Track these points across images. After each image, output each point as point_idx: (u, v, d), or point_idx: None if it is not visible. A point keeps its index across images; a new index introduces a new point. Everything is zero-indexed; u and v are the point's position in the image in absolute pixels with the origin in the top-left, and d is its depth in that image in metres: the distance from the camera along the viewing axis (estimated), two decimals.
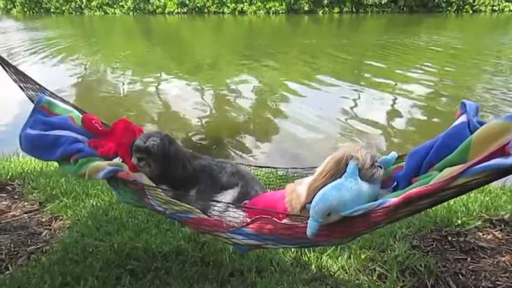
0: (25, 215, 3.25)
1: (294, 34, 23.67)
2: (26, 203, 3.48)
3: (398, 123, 7.08)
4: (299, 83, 10.08)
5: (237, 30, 27.32)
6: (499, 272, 2.31)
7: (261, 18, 34.20)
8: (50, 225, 3.06)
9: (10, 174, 4.05)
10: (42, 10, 49.41)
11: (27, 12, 49.28)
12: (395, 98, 8.79)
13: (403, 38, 18.25)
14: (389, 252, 2.50)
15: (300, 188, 1.86)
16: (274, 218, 1.82)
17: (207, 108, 8.30)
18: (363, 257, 2.45)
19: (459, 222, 2.92)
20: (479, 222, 2.91)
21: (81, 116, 2.51)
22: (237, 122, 7.38)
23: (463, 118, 1.71)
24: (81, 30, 27.87)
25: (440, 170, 1.63)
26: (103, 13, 45.58)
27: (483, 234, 2.83)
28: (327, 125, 7.01)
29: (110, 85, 10.63)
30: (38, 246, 2.75)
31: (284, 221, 1.81)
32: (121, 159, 2.37)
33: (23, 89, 2.62)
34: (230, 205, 2.00)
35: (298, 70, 11.76)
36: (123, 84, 10.72)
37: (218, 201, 2.04)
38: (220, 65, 13.31)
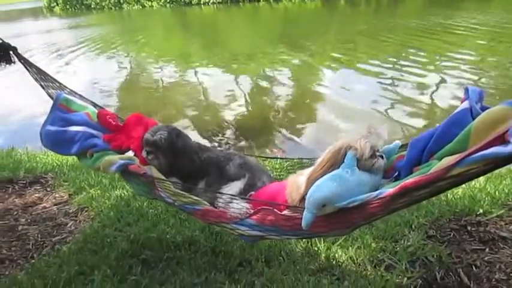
0: (54, 206, 3.38)
1: (330, 19, 23.11)
2: (56, 195, 3.62)
3: (443, 113, 6.69)
4: (336, 70, 9.82)
5: (272, 18, 27.02)
6: None
7: (296, 5, 33.62)
8: (76, 217, 3.18)
9: (45, 167, 4.20)
10: (83, 7, 50.61)
11: (69, 9, 50.62)
12: (438, 84, 8.20)
13: (445, 18, 17.21)
14: (402, 242, 2.42)
15: (300, 179, 1.83)
16: (275, 210, 1.81)
17: (244, 97, 8.28)
18: (373, 247, 2.39)
19: (481, 211, 2.78)
20: (503, 211, 2.77)
21: (96, 111, 2.57)
22: (275, 111, 7.31)
23: (465, 104, 1.62)
24: (121, 25, 28.42)
25: (440, 159, 1.56)
26: (141, 7, 46.15)
27: (506, 224, 2.70)
28: (365, 114, 6.72)
29: (149, 77, 10.84)
30: (63, 236, 2.86)
31: (284, 212, 1.80)
32: (133, 153, 2.41)
33: (43, 88, 2.70)
34: (234, 197, 1.99)
35: (335, 57, 11.44)
36: (162, 76, 10.89)
37: (222, 193, 2.04)
38: (256, 54, 13.21)
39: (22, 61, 2.70)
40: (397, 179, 1.74)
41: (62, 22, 32.55)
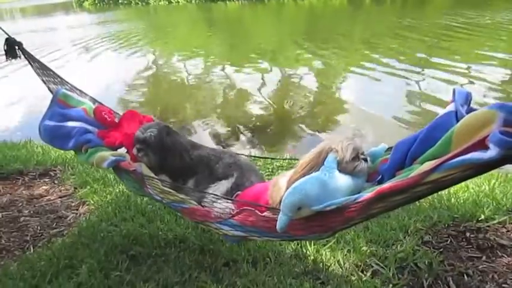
0: (59, 199, 3.41)
1: (355, 16, 22.68)
2: (62, 188, 3.66)
3: None
4: (362, 67, 9.56)
5: (297, 15, 26.72)
6: (511, 273, 2.09)
7: (321, 2, 33.19)
8: (77, 210, 3.20)
9: (55, 160, 4.25)
10: (111, 1, 51.14)
11: (98, 4, 51.29)
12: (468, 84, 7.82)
13: (474, 15, 16.62)
14: (394, 247, 2.34)
15: (281, 181, 1.79)
16: (256, 211, 1.77)
17: (265, 95, 8.20)
18: (364, 251, 2.32)
19: (482, 217, 2.67)
20: (505, 218, 2.65)
21: (93, 107, 2.57)
22: (300, 108, 7.22)
23: (450, 107, 1.54)
24: (147, 21, 28.62)
25: (422, 164, 1.49)
26: (167, 2, 46.27)
27: (507, 231, 2.59)
28: (392, 111, 6.57)
29: (173, 73, 10.87)
30: (61, 229, 2.88)
31: (265, 213, 1.75)
32: (126, 150, 2.40)
33: (44, 82, 2.72)
34: (218, 196, 1.96)
35: (361, 54, 11.18)
36: (186, 72, 10.91)
37: (207, 193, 2.01)
38: (281, 51, 13.09)
39: (26, 56, 2.74)
40: (380, 182, 1.67)
41: (91, 17, 33.02)
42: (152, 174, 2.15)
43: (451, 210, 2.77)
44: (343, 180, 1.59)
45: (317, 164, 1.63)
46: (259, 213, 1.75)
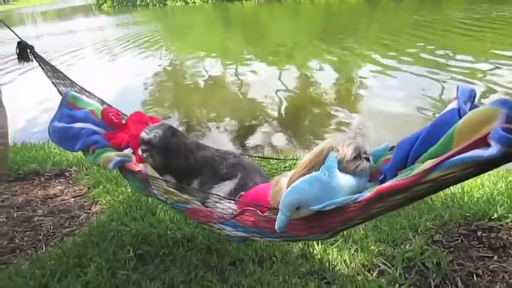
0: (72, 199, 3.46)
1: (373, 13, 22.35)
2: (76, 188, 3.70)
3: None
4: (381, 65, 9.40)
5: (314, 13, 26.49)
6: None
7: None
8: (89, 210, 3.23)
9: (70, 161, 4.31)
10: (129, 4, 51.45)
11: (116, 7, 51.74)
12: (485, 87, 7.42)
13: (496, 10, 16.13)
14: (402, 247, 2.29)
15: (283, 180, 1.77)
16: (257, 211, 1.75)
17: (286, 93, 8.16)
18: (372, 250, 2.27)
19: (495, 215, 2.59)
20: None
21: (101, 108, 2.58)
22: (318, 106, 7.16)
23: (453, 105, 1.49)
24: (165, 22, 28.70)
25: (424, 162, 1.44)
26: (184, 3, 46.34)
27: None
28: (411, 111, 6.43)
29: (192, 73, 10.90)
30: (73, 228, 2.91)
31: (266, 214, 1.73)
32: (132, 151, 2.41)
33: (55, 85, 2.75)
34: (221, 196, 1.95)
35: (379, 52, 11.00)
36: (204, 71, 10.94)
37: (209, 193, 2.00)
38: (298, 50, 12.99)
39: (37, 59, 2.77)
40: (382, 182, 1.62)
41: (109, 20, 33.36)
42: (157, 175, 2.15)
43: (463, 209, 2.69)
44: (344, 180, 1.55)
45: (318, 163, 1.60)
46: (260, 214, 1.72)
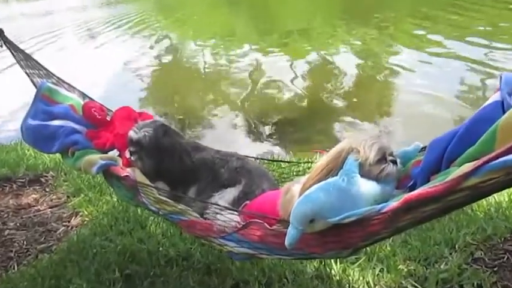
0: (49, 209, 3.50)
1: None
2: (53, 197, 3.75)
3: None
4: (409, 51, 9.33)
5: None
6: None
7: None
8: (68, 222, 3.27)
9: (47, 164, 4.34)
10: None
11: None
12: None
13: None
14: (437, 266, 2.28)
15: (295, 188, 1.77)
16: (264, 223, 1.77)
17: (301, 84, 8.14)
18: (400, 270, 2.27)
19: None
20: None
21: (82, 103, 2.60)
22: (336, 98, 7.13)
23: (495, 97, 1.48)
24: (159, 1, 28.70)
25: (461, 165, 1.44)
26: None
27: None
28: (448, 106, 6.38)
29: (189, 59, 10.90)
30: (50, 244, 2.95)
31: (274, 227, 1.75)
32: (118, 153, 2.43)
33: (28, 75, 2.78)
34: (222, 206, 1.96)
35: (407, 36, 10.90)
36: (203, 57, 10.94)
37: (208, 203, 2.02)
38: (313, 33, 12.91)
39: (8, 45, 2.80)
40: (412, 189, 1.62)
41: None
42: (147, 181, 2.17)
43: (509, 221, 2.68)
44: (366, 187, 1.55)
45: (335, 167, 1.60)
46: (268, 227, 1.74)
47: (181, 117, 7.01)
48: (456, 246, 2.49)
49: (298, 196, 1.65)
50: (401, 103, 6.87)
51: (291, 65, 9.43)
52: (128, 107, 2.57)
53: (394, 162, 1.66)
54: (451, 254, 2.42)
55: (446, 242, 2.52)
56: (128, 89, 8.86)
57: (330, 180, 1.54)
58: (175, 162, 2.21)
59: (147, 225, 2.98)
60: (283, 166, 2.84)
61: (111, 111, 2.65)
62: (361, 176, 1.56)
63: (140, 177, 2.18)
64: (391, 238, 2.55)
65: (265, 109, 7.03)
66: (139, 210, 3.17)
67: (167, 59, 11.46)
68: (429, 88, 7.05)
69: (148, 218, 3.07)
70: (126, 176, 2.17)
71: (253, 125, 6.51)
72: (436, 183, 1.32)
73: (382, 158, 1.62)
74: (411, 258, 2.41)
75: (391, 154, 1.67)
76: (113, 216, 3.11)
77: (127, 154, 2.26)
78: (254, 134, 6.22)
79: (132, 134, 2.22)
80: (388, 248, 2.50)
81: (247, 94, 7.93)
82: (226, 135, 6.29)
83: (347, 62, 9.27)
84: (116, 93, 8.12)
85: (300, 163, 2.75)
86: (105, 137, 2.44)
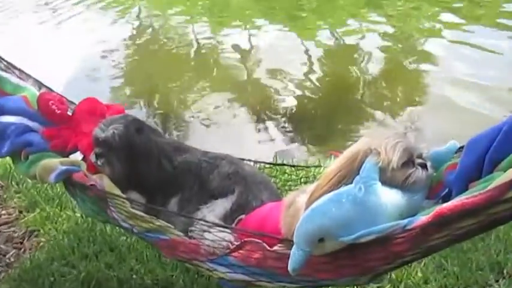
0: None
1: None
2: (3, 212, 3.74)
3: None
4: (449, 31, 9.31)
5: None
6: None
7: None
8: (21, 243, 3.27)
9: None
10: None
11: None
12: None
13: None
14: None
15: (300, 199, 1.79)
16: (263, 243, 1.78)
17: (311, 71, 8.12)
18: None
19: None
20: None
21: (37, 94, 2.60)
22: (357, 90, 7.13)
23: None
24: None
25: (506, 171, 1.45)
26: None
27: None
28: (493, 97, 6.33)
29: (175, 38, 10.85)
30: None
31: (276, 247, 1.76)
32: (82, 156, 2.44)
33: None
34: (211, 222, 1.97)
35: (445, 11, 10.87)
36: (191, 37, 10.89)
37: (194, 218, 2.03)
38: (328, 9, 12.91)
39: None
40: (445, 200, 1.63)
41: None
42: (118, 191, 2.18)
43: None
44: (388, 198, 1.56)
45: (349, 173, 1.62)
46: (268, 248, 1.75)
47: (161, 111, 7.01)
48: (504, 272, 2.51)
49: (305, 209, 1.67)
50: (435, 94, 6.82)
51: (301, 47, 9.41)
52: (94, 99, 2.58)
53: (424, 166, 1.66)
54: (497, 281, 2.44)
55: (491, 266, 2.53)
56: (96, 75, 8.83)
57: (344, 189, 1.55)
58: (152, 167, 2.22)
59: (117, 246, 2.98)
60: (288, 171, 2.84)
61: (74, 104, 2.65)
62: (382, 183, 1.57)
63: (109, 186, 2.19)
64: (422, 261, 2.55)
65: (268, 101, 7.03)
66: (108, 228, 3.17)
67: (145, 39, 11.44)
68: (472, 76, 7.07)
69: (120, 237, 3.07)
70: (92, 185, 2.18)
71: (253, 121, 6.51)
72: (476, 193, 1.33)
73: (409, 161, 1.63)
74: (448, 287, 2.42)
75: (419, 156, 1.68)
76: (75, 236, 3.11)
77: (92, 157, 2.26)
78: (254, 131, 6.22)
79: (98, 132, 2.22)
80: (419, 274, 2.50)
81: (246, 82, 7.92)
82: (219, 133, 6.29)
83: (370, 43, 9.25)
84: (80, 81, 8.08)
85: (309, 167, 2.75)
86: (65, 136, 2.45)
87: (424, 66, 7.78)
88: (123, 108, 2.70)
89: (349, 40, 9.45)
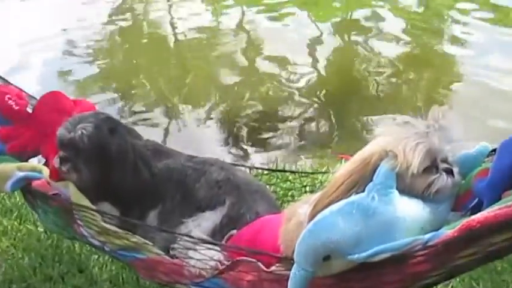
0: None
1: None
2: None
3: None
4: (482, 13, 9.30)
5: None
6: None
7: None
8: None
9: None
10: None
11: None
12: None
13: None
14: None
15: (302, 210, 1.79)
16: (259, 263, 1.78)
17: (317, 55, 8.13)
18: None
19: None
20: None
21: None
22: (369, 78, 7.13)
23: None
24: None
25: None
26: None
27: None
28: None
29: (158, 23, 10.85)
30: None
31: (273, 268, 1.76)
32: (44, 160, 2.44)
33: None
34: (197, 239, 1.97)
35: None
36: (179, 20, 10.87)
37: (177, 233, 2.03)
38: None
39: None
40: (474, 211, 1.63)
41: None
42: (86, 202, 2.17)
43: None
44: (406, 209, 1.57)
45: (361, 179, 1.62)
46: (264, 268, 1.76)
47: (142, 109, 7.01)
48: None
49: (307, 222, 1.67)
50: (464, 88, 6.88)
51: (309, 27, 9.43)
52: (59, 93, 2.58)
53: (449, 171, 1.66)
54: None
55: None
56: (62, 65, 8.81)
57: (354, 198, 1.55)
58: (127, 174, 2.21)
59: (87, 267, 2.98)
60: (291, 179, 2.84)
61: (35, 98, 2.65)
62: (400, 192, 1.58)
63: (76, 196, 2.19)
64: (449, 284, 2.55)
65: (267, 97, 7.04)
66: (77, 246, 3.17)
67: (122, 21, 11.46)
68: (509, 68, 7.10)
69: (90, 256, 3.07)
70: (55, 194, 2.18)
71: (250, 120, 6.51)
72: (511, 203, 1.33)
73: (432, 166, 1.63)
74: None
75: (444, 160, 1.68)
76: (37, 255, 3.10)
77: (56, 162, 2.25)
78: (250, 131, 6.22)
79: (63, 132, 2.22)
80: None
81: (242, 73, 7.92)
82: (209, 134, 6.29)
83: (390, 25, 9.24)
84: (44, 72, 8.08)
85: (316, 174, 2.75)
86: (25, 137, 2.45)
87: (453, 52, 7.79)
88: (93, 104, 2.69)
89: (367, 23, 9.46)
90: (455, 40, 8.15)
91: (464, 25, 8.68)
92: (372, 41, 8.62)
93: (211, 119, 6.55)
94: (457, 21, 8.93)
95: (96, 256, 3.05)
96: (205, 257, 1.90)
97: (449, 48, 7.92)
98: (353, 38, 8.99)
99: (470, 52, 7.64)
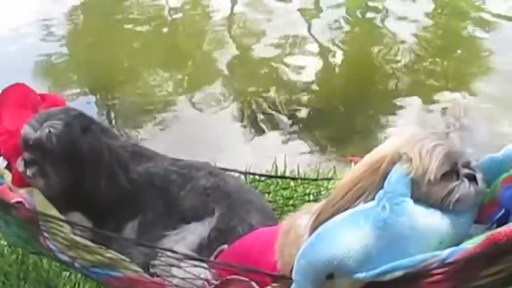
0: None
1: None
2: None
3: None
4: None
5: None
6: None
7: None
8: None
9: None
10: None
11: None
12: None
13: None
14: None
15: (303, 222, 1.78)
16: (252, 282, 1.78)
17: (326, 43, 8.14)
18: None
19: None
20: None
21: None
22: (382, 71, 7.15)
23: None
24: None
25: None
26: None
27: None
28: None
29: (140, 7, 10.86)
30: None
31: (269, 287, 1.76)
32: (5, 163, 2.44)
33: None
34: (181, 254, 1.98)
35: None
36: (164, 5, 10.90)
37: (159, 248, 2.03)
38: None
39: None
40: (500, 223, 1.64)
41: None
42: (54, 212, 2.18)
43: None
44: (423, 220, 1.57)
45: (371, 186, 1.63)
46: None
47: (120, 102, 7.01)
48: None
49: (308, 235, 1.67)
50: (492, 78, 6.92)
51: (316, 15, 9.47)
52: (24, 85, 2.58)
53: (472, 178, 1.66)
54: None
55: None
56: (31, 54, 8.83)
57: (362, 208, 1.56)
58: (102, 179, 2.21)
59: (57, 285, 2.98)
60: (292, 185, 2.84)
61: None
62: (415, 201, 1.58)
63: (42, 204, 2.20)
64: None
65: (269, 89, 7.06)
66: (45, 261, 3.18)
67: (100, 5, 11.51)
68: None
69: (60, 273, 3.07)
70: (19, 202, 2.18)
71: (249, 116, 6.52)
72: None
73: (452, 172, 1.63)
74: None
75: (466, 165, 1.68)
76: (0, 272, 3.11)
77: (20, 165, 2.25)
78: (245, 131, 6.24)
79: (28, 130, 2.22)
80: None
81: (240, 61, 7.94)
82: (201, 132, 6.31)
83: (408, 8, 9.27)
84: (9, 62, 8.09)
85: (319, 180, 2.75)
86: None
87: (480, 40, 7.80)
88: (64, 99, 2.69)
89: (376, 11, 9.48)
90: (481, 23, 8.17)
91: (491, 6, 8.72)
92: (384, 28, 8.67)
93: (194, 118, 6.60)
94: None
95: (67, 273, 3.06)
96: (191, 276, 1.90)
97: (473, 33, 7.94)
98: (364, 23, 9.04)
99: (501, 42, 7.65)
